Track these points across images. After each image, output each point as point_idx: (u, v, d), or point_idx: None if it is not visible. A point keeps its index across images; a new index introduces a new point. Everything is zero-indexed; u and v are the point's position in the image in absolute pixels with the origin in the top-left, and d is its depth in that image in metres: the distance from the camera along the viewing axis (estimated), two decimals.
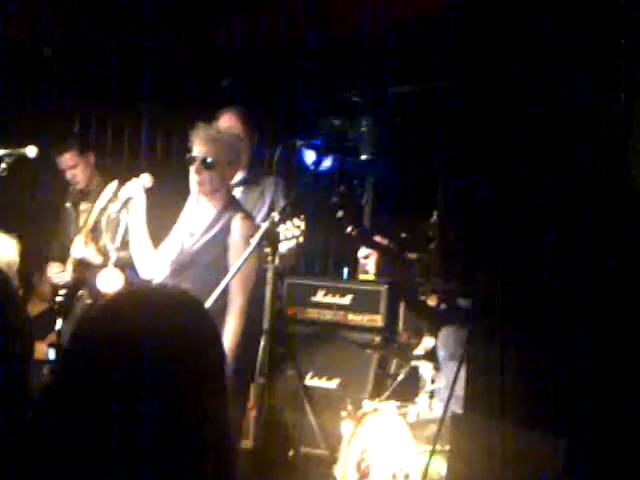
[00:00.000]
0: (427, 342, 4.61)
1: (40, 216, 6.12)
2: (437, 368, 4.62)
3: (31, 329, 2.35)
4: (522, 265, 2.85)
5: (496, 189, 2.98)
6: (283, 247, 4.47)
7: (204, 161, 4.52)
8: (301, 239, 4.50)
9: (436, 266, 4.24)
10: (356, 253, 5.83)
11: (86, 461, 1.43)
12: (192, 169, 4.56)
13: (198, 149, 4.54)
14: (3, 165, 4.88)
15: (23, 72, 6.55)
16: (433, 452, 3.94)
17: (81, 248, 5.57)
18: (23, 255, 4.21)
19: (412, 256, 4.54)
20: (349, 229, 4.42)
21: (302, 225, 4.48)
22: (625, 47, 2.66)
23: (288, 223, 4.46)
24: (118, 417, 1.44)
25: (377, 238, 4.32)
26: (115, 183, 5.65)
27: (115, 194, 5.46)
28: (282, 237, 4.39)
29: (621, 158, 2.59)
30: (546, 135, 2.90)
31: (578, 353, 2.70)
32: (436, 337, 4.57)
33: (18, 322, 1.88)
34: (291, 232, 4.46)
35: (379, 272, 4.68)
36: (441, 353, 4.44)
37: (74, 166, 5.84)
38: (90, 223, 5.61)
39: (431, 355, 4.62)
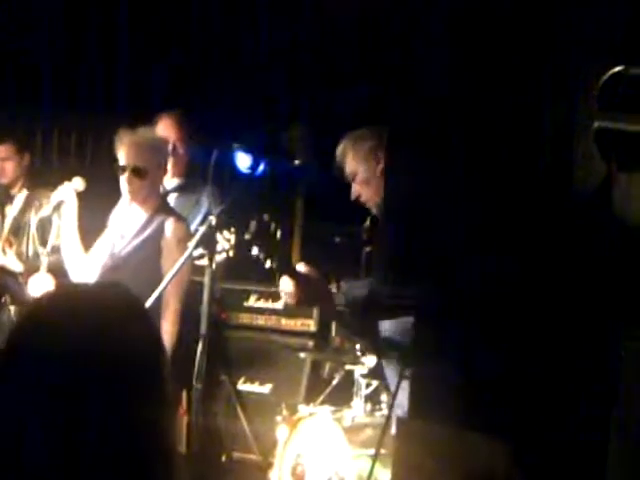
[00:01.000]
0: (369, 361, 4.59)
1: None
2: (386, 387, 4.61)
3: None
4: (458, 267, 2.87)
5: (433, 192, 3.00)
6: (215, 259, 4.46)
7: (135, 170, 4.48)
8: (231, 253, 4.50)
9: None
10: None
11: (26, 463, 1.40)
12: (123, 178, 4.51)
13: (125, 157, 4.50)
14: None
15: None
16: (377, 456, 3.94)
17: None
18: None
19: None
20: (268, 264, 4.39)
21: (232, 239, 4.49)
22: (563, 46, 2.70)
23: (219, 236, 4.45)
24: (57, 426, 1.40)
25: (300, 267, 4.30)
26: (25, 192, 5.58)
27: (27, 200, 5.40)
28: (214, 250, 4.38)
29: (567, 158, 2.63)
30: (486, 137, 2.93)
31: (522, 352, 2.73)
32: (378, 356, 4.56)
33: None
34: (221, 245, 4.46)
35: (299, 304, 4.66)
36: (390, 373, 4.45)
37: (6, 159, 5.73)
38: (5, 230, 5.52)
39: (375, 373, 4.61)
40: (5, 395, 1.45)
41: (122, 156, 4.52)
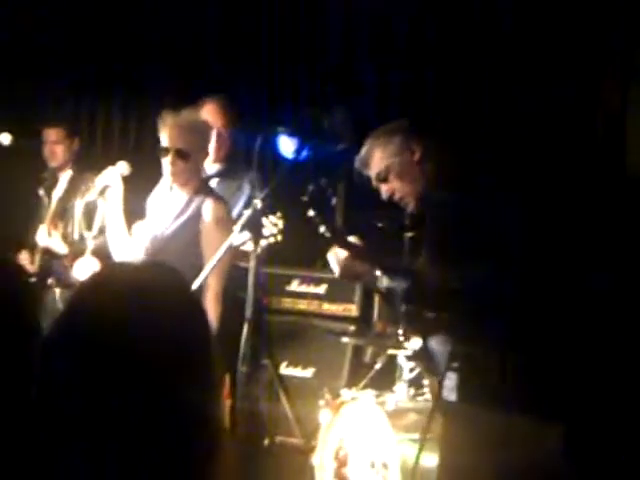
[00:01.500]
0: (414, 343, 4.56)
1: (14, 204, 6.03)
2: (430, 370, 4.58)
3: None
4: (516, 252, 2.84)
5: (489, 175, 2.97)
6: (260, 245, 4.47)
7: (178, 152, 4.49)
8: (279, 237, 4.50)
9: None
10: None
11: (75, 445, 1.41)
12: (166, 160, 4.53)
13: (168, 139, 4.51)
14: None
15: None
16: (424, 441, 3.92)
17: (44, 237, 5.51)
18: None
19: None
20: (322, 229, 4.38)
21: (279, 223, 4.48)
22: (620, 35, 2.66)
23: (265, 220, 4.45)
24: (103, 406, 1.41)
25: (351, 239, 4.29)
26: (69, 172, 5.62)
27: (72, 183, 5.44)
28: (261, 235, 4.38)
29: (620, 145, 2.59)
30: (540, 125, 2.90)
31: (574, 337, 2.71)
32: (424, 338, 4.53)
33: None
34: (269, 230, 4.45)
35: (344, 275, 4.65)
36: (440, 349, 4.41)
37: (57, 142, 5.78)
38: (51, 212, 5.56)
39: (420, 356, 4.58)
40: (54, 376, 1.46)
41: (165, 138, 4.53)
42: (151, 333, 1.45)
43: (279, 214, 4.54)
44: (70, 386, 1.43)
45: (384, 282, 4.31)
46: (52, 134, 5.81)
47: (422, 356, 4.51)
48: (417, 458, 4.04)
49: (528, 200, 2.93)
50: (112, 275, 1.58)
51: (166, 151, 4.52)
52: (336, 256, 4.37)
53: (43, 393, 1.46)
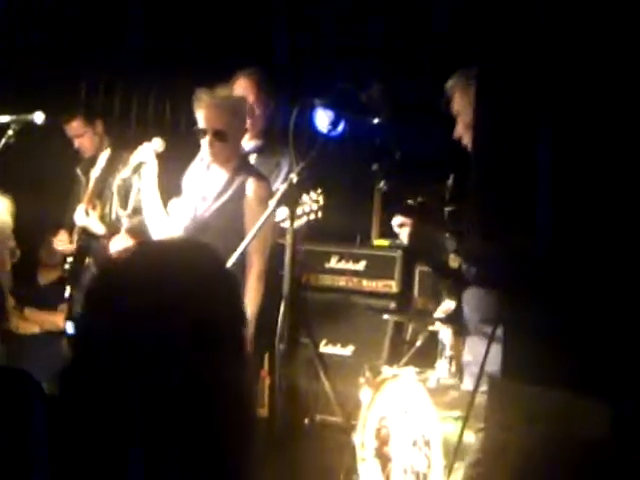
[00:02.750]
0: (447, 304, 4.49)
1: (51, 183, 6.01)
2: (458, 332, 4.51)
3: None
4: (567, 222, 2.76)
5: (549, 149, 2.88)
6: (299, 222, 4.42)
7: (216, 133, 4.43)
8: (319, 214, 4.45)
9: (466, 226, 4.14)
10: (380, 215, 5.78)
11: (112, 427, 1.38)
12: (204, 141, 4.47)
13: (205, 119, 4.45)
14: (10, 132, 4.80)
15: (29, 39, 6.44)
16: (467, 419, 3.85)
17: (82, 217, 5.49)
18: (30, 219, 4.12)
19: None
20: (382, 184, 4.31)
21: (320, 200, 4.43)
22: None
23: (305, 197, 4.40)
24: (136, 383, 1.38)
25: (411, 202, 4.20)
26: (108, 151, 5.59)
27: (110, 162, 5.40)
28: (300, 212, 4.33)
29: None
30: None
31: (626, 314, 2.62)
32: (457, 300, 4.46)
33: None
34: (309, 207, 4.40)
35: (413, 243, 4.55)
36: (473, 317, 4.31)
37: (81, 134, 5.74)
38: (89, 192, 5.54)
39: (452, 319, 4.51)
40: (87, 352, 1.41)
41: (201, 119, 4.47)
42: (181, 308, 1.42)
43: (319, 190, 4.48)
44: (102, 362, 1.40)
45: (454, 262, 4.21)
46: (73, 128, 5.77)
47: (454, 319, 4.43)
48: (460, 435, 3.97)
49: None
50: (141, 252, 1.54)
51: (204, 132, 4.46)
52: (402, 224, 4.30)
53: (77, 370, 1.42)
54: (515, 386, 2.91)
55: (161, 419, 1.38)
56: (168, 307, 1.40)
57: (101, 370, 1.40)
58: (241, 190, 4.48)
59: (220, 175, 4.56)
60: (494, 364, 3.39)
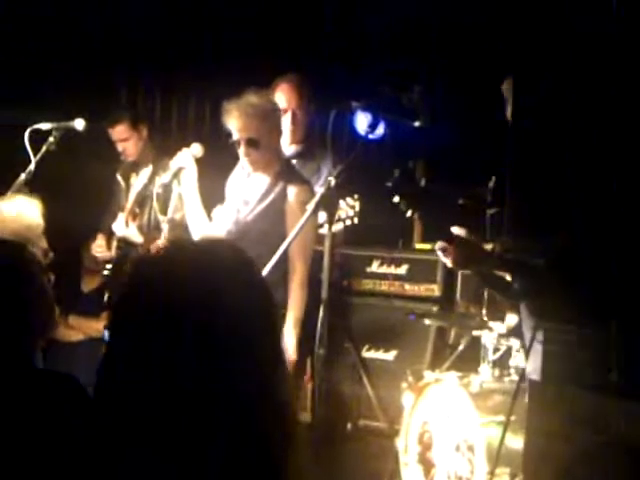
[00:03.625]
0: (510, 319, 4.43)
1: (91, 189, 6.03)
2: (524, 346, 4.43)
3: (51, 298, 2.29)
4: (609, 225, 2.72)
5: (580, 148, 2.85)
6: (337, 227, 4.41)
7: (249, 142, 4.42)
8: (355, 220, 4.43)
9: (505, 227, 4.09)
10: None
11: (149, 425, 1.36)
12: (240, 151, 4.46)
13: (238, 129, 4.43)
14: (51, 139, 4.83)
15: (68, 43, 6.48)
16: (508, 422, 3.80)
17: (122, 227, 5.49)
18: (71, 225, 4.11)
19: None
20: (409, 214, 4.26)
21: (357, 205, 4.41)
22: None
23: (342, 203, 4.38)
24: (157, 376, 1.37)
25: (454, 229, 4.11)
26: (150, 167, 5.60)
27: (152, 177, 5.42)
28: (337, 217, 4.32)
29: None
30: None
31: None
32: (518, 313, 4.39)
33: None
34: (345, 213, 4.39)
35: (457, 267, 4.49)
36: (526, 327, 4.26)
37: (126, 139, 5.75)
38: (130, 204, 5.55)
39: (516, 332, 4.44)
40: (116, 343, 1.42)
41: (234, 129, 4.45)
42: (209, 304, 1.40)
43: (356, 196, 4.46)
44: (132, 360, 1.40)
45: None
46: (118, 132, 5.78)
47: (518, 332, 4.35)
48: (502, 440, 3.92)
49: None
50: (170, 250, 1.53)
51: (238, 143, 4.46)
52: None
53: (107, 367, 1.43)
54: (554, 390, 2.86)
55: (189, 412, 1.36)
56: (181, 307, 1.39)
57: (123, 374, 1.40)
58: (283, 194, 4.46)
59: (262, 180, 4.55)
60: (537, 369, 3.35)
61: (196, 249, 1.52)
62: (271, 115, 4.53)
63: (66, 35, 6.44)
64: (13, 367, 2.25)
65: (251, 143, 4.43)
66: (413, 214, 4.20)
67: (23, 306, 2.32)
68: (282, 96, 5.06)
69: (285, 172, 4.57)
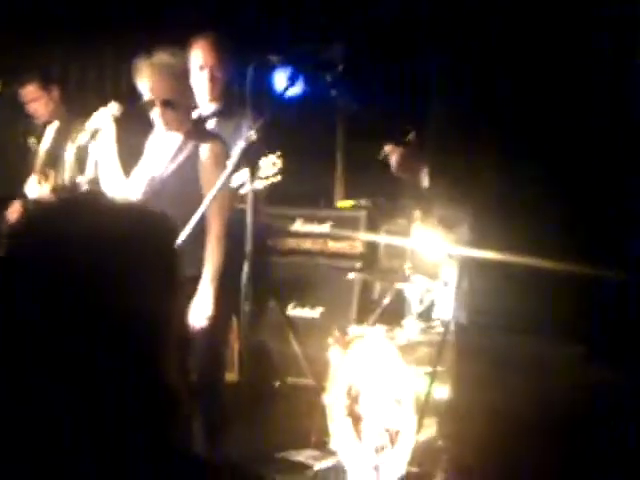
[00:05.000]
0: (445, 273, 4.43)
1: (5, 153, 5.89)
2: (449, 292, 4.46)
3: None
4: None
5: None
6: (259, 185, 4.37)
7: (166, 103, 4.33)
8: (278, 177, 4.40)
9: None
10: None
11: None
12: (155, 112, 4.37)
13: (151, 91, 4.32)
14: None
15: None
16: (435, 373, 3.84)
17: (35, 188, 5.38)
18: None
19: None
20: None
21: (278, 163, 4.37)
22: None
23: (264, 160, 4.34)
24: (63, 319, 1.35)
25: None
26: (56, 123, 5.48)
27: (60, 131, 5.31)
28: (259, 175, 4.28)
29: None
30: None
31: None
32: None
33: None
34: (268, 170, 4.35)
35: (400, 171, 4.52)
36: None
37: (36, 99, 5.62)
38: (39, 163, 5.44)
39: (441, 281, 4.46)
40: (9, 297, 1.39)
41: (146, 90, 4.34)
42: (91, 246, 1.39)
43: (278, 153, 4.43)
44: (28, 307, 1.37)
45: None
46: (28, 93, 5.64)
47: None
48: (429, 391, 3.96)
49: None
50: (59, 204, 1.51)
51: (152, 103, 4.36)
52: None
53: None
54: (479, 336, 2.88)
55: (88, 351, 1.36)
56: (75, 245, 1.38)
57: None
58: (196, 151, 4.40)
59: (174, 138, 4.48)
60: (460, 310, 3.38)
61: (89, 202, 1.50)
62: (184, 73, 4.45)
63: None
64: None
65: (166, 104, 4.34)
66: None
67: None
68: (199, 53, 4.97)
69: (196, 130, 4.50)
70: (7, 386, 1.36)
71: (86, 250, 1.37)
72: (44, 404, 1.34)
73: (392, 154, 4.09)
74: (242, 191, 4.34)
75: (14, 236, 1.42)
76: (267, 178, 4.40)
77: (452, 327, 3.69)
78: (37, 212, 1.48)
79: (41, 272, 1.36)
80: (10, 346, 1.36)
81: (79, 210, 1.44)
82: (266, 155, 4.39)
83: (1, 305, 1.38)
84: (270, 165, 4.40)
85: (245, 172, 4.14)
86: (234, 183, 4.35)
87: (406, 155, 4.16)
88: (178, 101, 4.37)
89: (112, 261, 1.39)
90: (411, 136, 4.43)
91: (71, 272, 1.36)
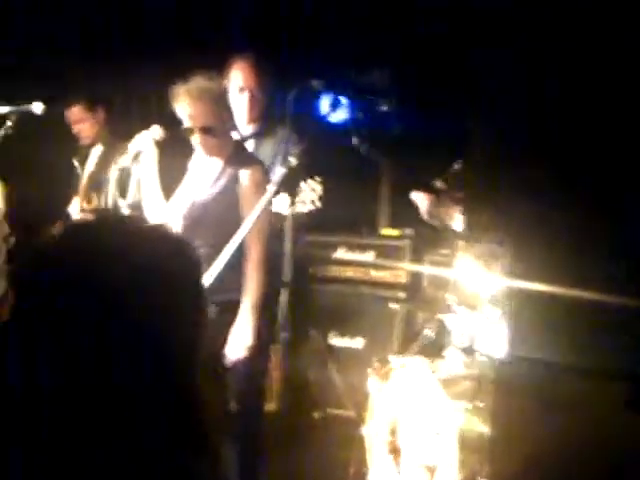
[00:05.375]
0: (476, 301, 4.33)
1: (49, 174, 5.89)
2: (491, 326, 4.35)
3: None
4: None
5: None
6: (298, 209, 4.32)
7: (205, 130, 4.28)
8: (318, 204, 4.34)
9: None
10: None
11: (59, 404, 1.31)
12: (194, 139, 4.33)
13: (189, 118, 4.27)
14: (9, 123, 4.70)
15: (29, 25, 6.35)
16: (474, 407, 3.74)
17: (78, 209, 5.39)
18: (31, 211, 4.04)
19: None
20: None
21: (319, 189, 4.32)
22: None
23: (303, 185, 4.29)
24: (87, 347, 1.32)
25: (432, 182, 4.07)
26: (100, 147, 5.48)
27: (104, 155, 5.30)
28: (298, 200, 4.23)
29: None
30: None
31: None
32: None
33: None
34: (307, 196, 4.30)
35: (430, 217, 4.42)
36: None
37: (81, 120, 5.64)
38: (83, 187, 5.44)
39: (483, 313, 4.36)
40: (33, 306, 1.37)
41: (185, 115, 4.29)
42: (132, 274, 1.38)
43: (318, 178, 4.37)
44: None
45: None
46: (73, 114, 5.67)
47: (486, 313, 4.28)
48: (469, 427, 3.86)
49: None
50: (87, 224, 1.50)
51: (191, 131, 4.32)
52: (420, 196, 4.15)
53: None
54: (524, 368, 2.79)
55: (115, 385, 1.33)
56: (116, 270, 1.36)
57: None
58: (235, 176, 4.35)
59: (215, 163, 4.44)
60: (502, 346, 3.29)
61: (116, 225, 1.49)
62: (222, 98, 4.40)
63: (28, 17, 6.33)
64: None
65: (205, 130, 4.30)
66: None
67: None
68: (239, 75, 4.94)
69: (237, 155, 4.45)
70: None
71: (111, 270, 1.33)
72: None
73: (421, 200, 3.98)
74: (284, 212, 4.28)
75: (42, 256, 1.38)
76: (306, 203, 4.35)
77: (492, 361, 3.59)
78: (67, 232, 1.47)
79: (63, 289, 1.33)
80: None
81: (106, 232, 1.41)
82: (306, 180, 4.34)
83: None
84: (310, 191, 4.35)
85: (285, 198, 4.09)
86: (274, 209, 4.31)
87: (436, 203, 4.04)
88: (217, 126, 4.32)
89: (134, 282, 1.35)
90: (441, 183, 4.32)
91: (88, 296, 1.32)
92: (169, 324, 1.37)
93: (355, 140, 4.04)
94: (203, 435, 1.38)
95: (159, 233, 1.49)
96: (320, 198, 4.35)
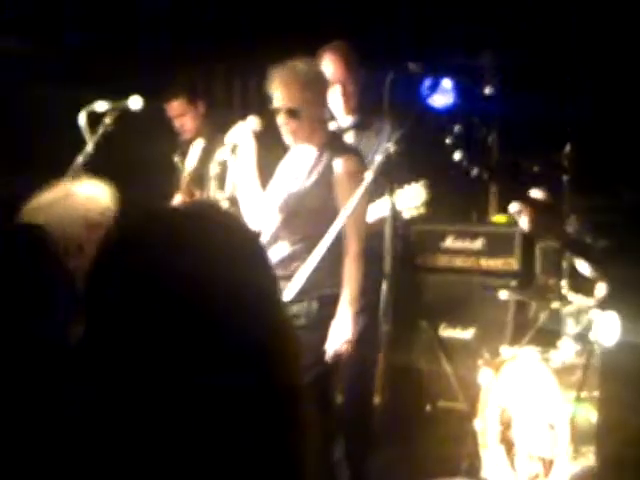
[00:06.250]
0: (599, 289, 4.14)
1: (151, 170, 5.91)
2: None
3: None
4: None
5: None
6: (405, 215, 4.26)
7: (289, 112, 4.24)
8: (422, 210, 4.27)
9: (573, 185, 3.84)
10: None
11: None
12: (279, 120, 4.29)
13: (278, 97, 4.26)
14: (107, 120, 4.71)
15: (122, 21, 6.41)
16: (582, 397, 3.57)
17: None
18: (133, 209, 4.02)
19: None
20: (475, 172, 4.05)
21: (424, 193, 4.24)
22: None
23: (408, 188, 4.22)
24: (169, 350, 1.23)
25: (533, 192, 3.87)
26: (201, 141, 5.46)
27: (206, 150, 5.28)
28: (401, 206, 4.16)
29: None
30: None
31: None
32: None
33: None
34: (413, 201, 4.23)
35: (535, 230, 4.23)
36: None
37: (182, 114, 5.65)
38: (185, 182, 5.44)
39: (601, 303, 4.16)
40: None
41: (275, 97, 4.29)
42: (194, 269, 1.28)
43: (423, 182, 4.28)
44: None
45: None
46: (174, 108, 5.68)
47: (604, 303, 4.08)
48: (585, 417, 3.70)
49: None
50: (157, 216, 1.40)
51: (277, 111, 4.28)
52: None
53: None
54: (631, 357, 2.65)
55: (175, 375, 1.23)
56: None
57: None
58: (329, 167, 4.27)
59: (310, 152, 4.37)
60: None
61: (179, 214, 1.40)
62: (317, 85, 4.34)
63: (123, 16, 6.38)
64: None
65: (290, 113, 4.25)
66: (481, 172, 3.97)
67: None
68: (328, 67, 4.84)
69: (331, 144, 4.37)
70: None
71: (189, 262, 1.27)
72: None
73: (521, 214, 3.78)
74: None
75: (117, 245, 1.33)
76: (410, 209, 4.29)
77: (603, 348, 3.42)
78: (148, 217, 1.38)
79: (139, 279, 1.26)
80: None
81: (186, 222, 1.34)
82: (410, 183, 4.26)
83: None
84: (416, 195, 4.28)
85: (386, 202, 4.02)
86: (375, 214, 4.26)
87: (539, 217, 3.82)
88: (303, 109, 4.26)
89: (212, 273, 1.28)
90: (543, 196, 4.10)
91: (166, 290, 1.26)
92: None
93: (458, 155, 3.88)
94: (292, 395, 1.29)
95: (232, 223, 1.41)
96: (425, 205, 4.27)
